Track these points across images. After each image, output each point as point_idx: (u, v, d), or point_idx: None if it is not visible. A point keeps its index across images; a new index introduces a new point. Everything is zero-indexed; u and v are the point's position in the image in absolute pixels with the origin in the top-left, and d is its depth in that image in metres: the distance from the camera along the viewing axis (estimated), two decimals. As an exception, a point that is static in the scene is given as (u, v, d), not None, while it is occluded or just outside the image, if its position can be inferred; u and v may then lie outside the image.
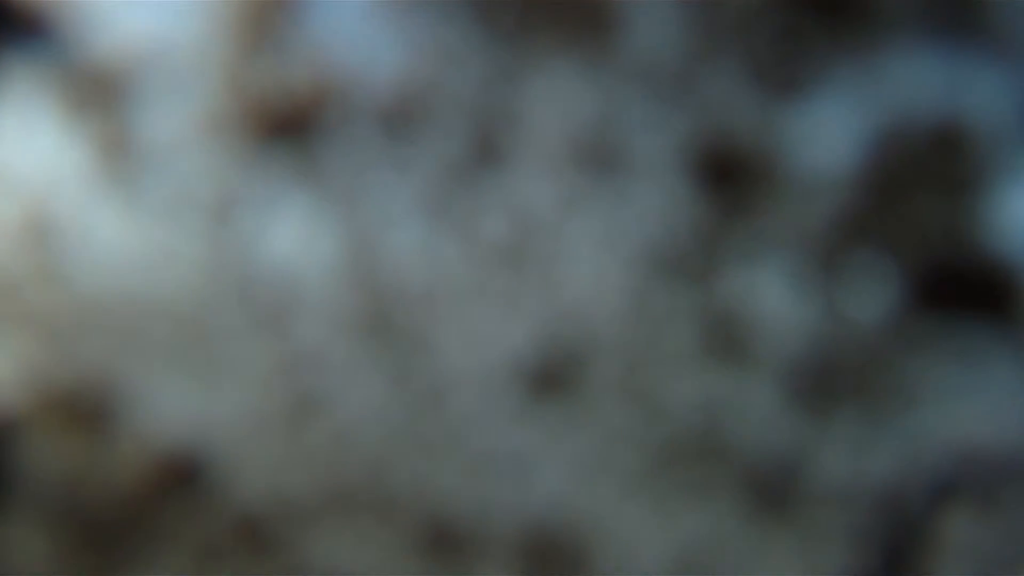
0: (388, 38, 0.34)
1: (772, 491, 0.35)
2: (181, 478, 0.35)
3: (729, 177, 0.34)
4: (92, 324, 0.34)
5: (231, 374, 0.34)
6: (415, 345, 0.34)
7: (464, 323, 0.34)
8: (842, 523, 0.35)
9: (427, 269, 0.34)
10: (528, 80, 0.34)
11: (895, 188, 0.34)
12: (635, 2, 0.34)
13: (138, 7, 0.34)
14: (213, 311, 0.34)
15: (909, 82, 0.34)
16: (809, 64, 0.34)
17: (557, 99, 0.34)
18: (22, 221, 0.34)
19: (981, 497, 0.35)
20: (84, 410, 0.34)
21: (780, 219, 0.34)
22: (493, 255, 0.34)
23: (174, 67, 0.34)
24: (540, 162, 0.34)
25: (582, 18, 0.34)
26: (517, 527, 0.35)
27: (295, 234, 0.34)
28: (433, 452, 0.34)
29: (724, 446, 0.34)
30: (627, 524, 0.35)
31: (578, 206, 0.34)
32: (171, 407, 0.34)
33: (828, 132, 0.34)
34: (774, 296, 0.34)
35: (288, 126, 0.34)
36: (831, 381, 0.34)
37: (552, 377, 0.34)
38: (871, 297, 0.34)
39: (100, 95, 0.34)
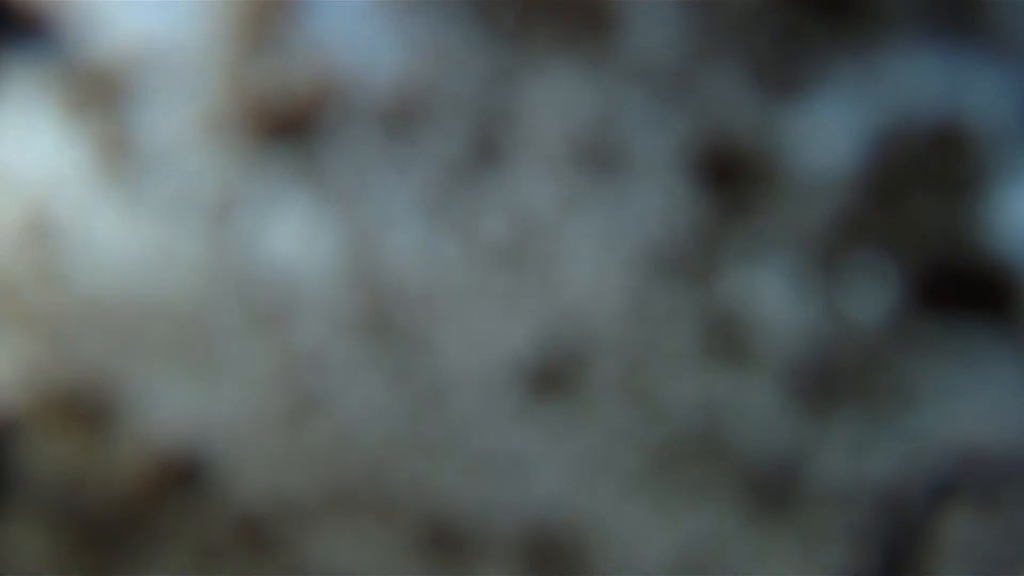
0: (388, 38, 0.34)
1: (772, 491, 0.35)
2: (181, 478, 0.35)
3: (729, 177, 0.34)
4: (92, 324, 0.34)
5: (231, 374, 0.34)
6: (415, 345, 0.34)
7: (464, 323, 0.34)
8: (842, 523, 0.35)
9: (427, 269, 0.34)
10: (528, 80, 0.34)
11: (895, 188, 0.34)
12: (635, 2, 0.34)
13: (138, 7, 0.34)
14: (213, 311, 0.34)
15: (909, 82, 0.34)
16: (809, 64, 0.34)
17: (557, 99, 0.34)
18: (22, 221, 0.34)
19: (981, 497, 0.35)
20: (84, 410, 0.34)
21: (780, 219, 0.34)
22: (493, 255, 0.34)
23: (174, 67, 0.34)
24: (540, 162, 0.34)
25: (582, 18, 0.34)
26: (517, 527, 0.35)
27: (295, 234, 0.34)
28: (433, 452, 0.34)
29: (724, 446, 0.34)
30: (627, 524, 0.35)
31: (578, 206, 0.34)
32: (171, 407, 0.34)
33: (828, 132, 0.34)
34: (774, 296, 0.34)
35: (288, 126, 0.34)
36: (831, 381, 0.34)
37: (552, 377, 0.34)
38: (871, 297, 0.34)
39: (100, 95, 0.34)
